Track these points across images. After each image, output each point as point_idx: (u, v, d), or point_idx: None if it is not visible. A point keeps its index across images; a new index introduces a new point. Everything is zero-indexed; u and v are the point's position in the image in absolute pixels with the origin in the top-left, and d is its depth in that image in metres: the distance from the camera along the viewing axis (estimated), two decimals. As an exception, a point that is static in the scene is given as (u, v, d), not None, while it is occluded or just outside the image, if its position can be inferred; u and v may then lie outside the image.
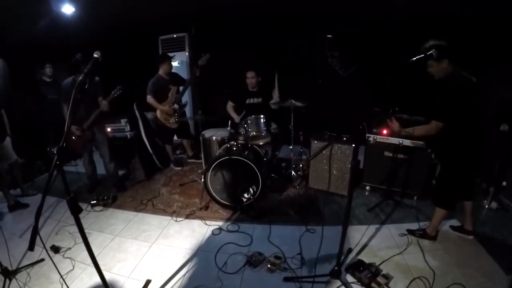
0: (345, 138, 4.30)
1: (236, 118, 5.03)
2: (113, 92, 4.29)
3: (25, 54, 5.49)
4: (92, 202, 4.34)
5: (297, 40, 5.99)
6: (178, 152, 6.46)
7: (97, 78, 4.29)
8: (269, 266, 3.02)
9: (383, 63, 5.18)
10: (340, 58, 6.07)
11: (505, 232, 3.41)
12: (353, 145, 4.14)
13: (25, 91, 5.56)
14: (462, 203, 3.28)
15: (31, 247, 1.77)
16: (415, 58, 2.46)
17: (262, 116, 4.43)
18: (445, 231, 3.51)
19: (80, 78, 2.05)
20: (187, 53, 6.69)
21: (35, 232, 1.79)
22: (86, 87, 2.05)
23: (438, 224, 3.29)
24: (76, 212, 1.89)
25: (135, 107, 5.33)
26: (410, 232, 3.44)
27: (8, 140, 4.35)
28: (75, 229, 3.31)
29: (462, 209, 3.32)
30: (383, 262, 3.04)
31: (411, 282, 2.77)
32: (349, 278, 2.88)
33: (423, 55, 2.51)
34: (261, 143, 4.57)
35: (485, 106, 2.88)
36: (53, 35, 5.29)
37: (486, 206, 3.96)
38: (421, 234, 3.36)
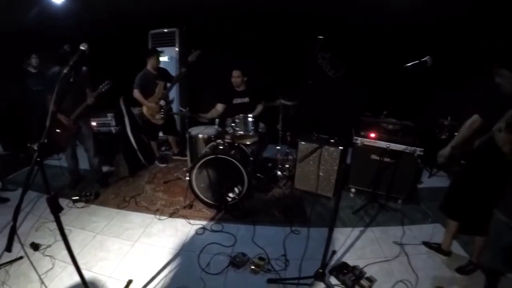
0: (332, 141, 4.29)
1: (208, 115, 4.94)
2: (101, 87, 4.21)
3: (11, 44, 5.34)
4: (73, 198, 4.22)
5: (288, 39, 5.97)
6: (163, 148, 6.38)
7: (84, 68, 4.18)
8: (252, 267, 3.00)
9: (374, 66, 5.21)
10: (330, 60, 6.07)
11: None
12: (341, 148, 4.15)
13: (10, 82, 5.39)
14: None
15: (8, 248, 1.70)
16: (409, 64, 2.44)
17: (250, 115, 4.39)
18: (429, 235, 3.55)
19: (65, 71, 1.98)
20: (176, 49, 6.59)
21: (12, 232, 1.72)
22: (71, 80, 1.98)
23: (482, 250, 2.97)
24: (56, 211, 1.82)
25: (121, 101, 5.23)
26: (460, 271, 2.98)
27: None
28: (55, 225, 3.23)
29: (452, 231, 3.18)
30: (367, 265, 3.05)
31: (394, 285, 2.79)
32: (333, 280, 2.88)
33: (417, 61, 2.49)
34: (248, 143, 4.52)
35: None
36: (41, 24, 5.16)
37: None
38: (472, 269, 2.98)
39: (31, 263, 2.29)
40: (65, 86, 1.90)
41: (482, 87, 2.89)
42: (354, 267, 3.00)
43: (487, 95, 2.83)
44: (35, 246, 3.23)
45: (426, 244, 3.39)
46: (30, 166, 1.71)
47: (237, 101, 5.01)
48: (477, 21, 4.34)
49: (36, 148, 1.74)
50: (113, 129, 5.40)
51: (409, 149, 3.96)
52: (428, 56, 2.42)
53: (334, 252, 3.25)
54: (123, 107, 5.26)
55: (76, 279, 2.57)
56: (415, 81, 4.51)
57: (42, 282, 2.49)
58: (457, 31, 4.68)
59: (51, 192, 1.80)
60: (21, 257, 2.98)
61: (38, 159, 1.72)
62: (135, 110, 5.52)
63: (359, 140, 4.28)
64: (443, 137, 4.80)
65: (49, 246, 3.28)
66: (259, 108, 4.96)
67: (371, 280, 2.84)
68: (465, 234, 3.13)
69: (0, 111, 5.22)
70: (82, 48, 2.16)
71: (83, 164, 4.84)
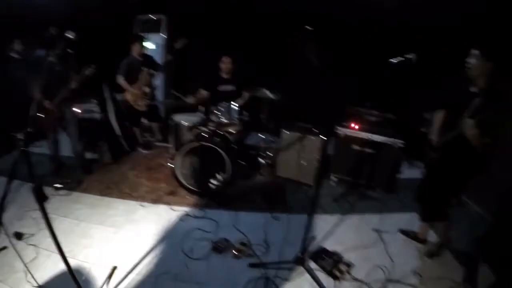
0: (315, 130, 4.35)
1: (191, 100, 4.92)
2: (85, 71, 4.13)
3: None
4: (56, 185, 4.17)
5: (275, 29, 5.96)
6: (146, 135, 6.33)
7: (69, 51, 4.10)
8: (235, 252, 3.07)
9: (359, 58, 5.26)
10: (317, 51, 6.08)
11: (461, 227, 3.48)
12: (323, 137, 4.20)
13: None
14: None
15: None
16: (395, 61, 2.50)
17: (234, 103, 4.41)
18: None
19: (51, 59, 1.97)
20: (163, 35, 6.53)
21: None
22: (57, 68, 1.98)
23: (447, 229, 3.15)
24: (41, 200, 1.81)
25: (104, 87, 5.18)
26: (429, 255, 3.16)
27: None
28: (38, 214, 3.16)
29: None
30: (345, 251, 3.15)
31: (371, 270, 2.90)
32: (313, 265, 2.96)
33: (402, 58, 2.54)
34: (231, 131, 4.56)
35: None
36: (24, 8, 5.01)
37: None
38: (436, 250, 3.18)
39: (17, 252, 2.27)
40: (52, 75, 1.89)
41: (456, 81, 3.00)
42: (333, 253, 3.10)
43: (452, 87, 2.95)
44: (19, 235, 3.19)
45: (403, 232, 3.49)
46: (11, 153, 1.70)
47: (222, 88, 5.01)
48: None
49: (20, 137, 1.73)
50: (97, 116, 5.32)
51: (390, 140, 4.06)
52: (413, 54, 2.48)
53: (313, 238, 3.33)
54: (106, 92, 5.21)
55: (61, 267, 2.56)
56: (400, 76, 4.59)
57: (28, 271, 2.48)
58: (445, 27, 4.76)
59: (36, 182, 1.80)
60: (4, 247, 2.95)
61: (24, 149, 1.71)
62: (119, 96, 5.47)
63: (341, 130, 4.36)
64: (423, 130, 4.90)
65: (33, 235, 3.24)
66: (246, 95, 4.99)
67: (349, 265, 2.95)
68: (426, 222, 3.24)
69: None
70: (69, 36, 2.14)
71: (66, 150, 4.78)
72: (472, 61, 2.54)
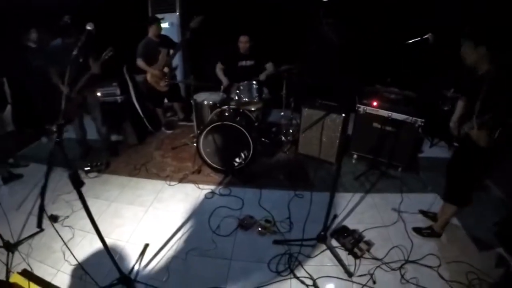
0: (335, 108, 4.38)
1: (225, 81, 5.04)
2: (103, 54, 4.20)
3: (9, 20, 5.21)
4: (85, 168, 4.34)
5: (292, 3, 5.89)
6: (168, 115, 6.46)
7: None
8: (259, 229, 3.22)
9: (379, 34, 5.18)
10: (335, 26, 6.00)
11: (481, 211, 3.47)
12: (343, 115, 4.23)
13: (11, 58, 5.32)
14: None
15: (39, 225, 1.84)
16: (410, 41, 2.48)
17: (254, 82, 4.46)
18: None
19: (74, 52, 2.05)
20: (178, 14, 6.52)
21: (41, 210, 1.84)
22: (81, 60, 2.08)
23: (447, 222, 3.15)
24: (78, 186, 1.95)
25: (124, 70, 5.27)
26: (417, 231, 3.24)
27: (8, 108, 4.30)
28: (71, 197, 3.45)
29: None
30: (366, 229, 3.24)
31: (390, 249, 2.98)
32: (334, 242, 3.08)
33: (419, 38, 2.52)
34: (252, 109, 4.63)
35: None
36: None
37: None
38: (429, 233, 3.18)
39: (58, 233, 2.42)
40: (77, 67, 1.98)
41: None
42: (354, 231, 3.20)
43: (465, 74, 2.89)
44: (54, 218, 3.38)
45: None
46: (50, 150, 1.81)
47: (242, 63, 5.07)
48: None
49: (54, 130, 1.85)
50: (118, 99, 5.41)
51: (410, 119, 4.02)
52: (430, 33, 2.45)
53: (335, 216, 3.44)
54: (127, 75, 5.30)
55: (96, 246, 2.80)
56: (418, 55, 4.54)
57: (68, 249, 2.62)
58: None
59: (73, 169, 1.92)
60: (42, 230, 3.11)
61: (58, 140, 1.83)
62: (139, 78, 5.55)
63: (361, 108, 4.36)
64: (445, 108, 4.84)
65: (67, 217, 3.43)
66: (270, 67, 5.03)
67: (369, 243, 3.05)
68: (443, 199, 3.20)
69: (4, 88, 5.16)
70: (88, 28, 2.22)
71: (91, 134, 4.91)
72: (463, 49, 2.48)
